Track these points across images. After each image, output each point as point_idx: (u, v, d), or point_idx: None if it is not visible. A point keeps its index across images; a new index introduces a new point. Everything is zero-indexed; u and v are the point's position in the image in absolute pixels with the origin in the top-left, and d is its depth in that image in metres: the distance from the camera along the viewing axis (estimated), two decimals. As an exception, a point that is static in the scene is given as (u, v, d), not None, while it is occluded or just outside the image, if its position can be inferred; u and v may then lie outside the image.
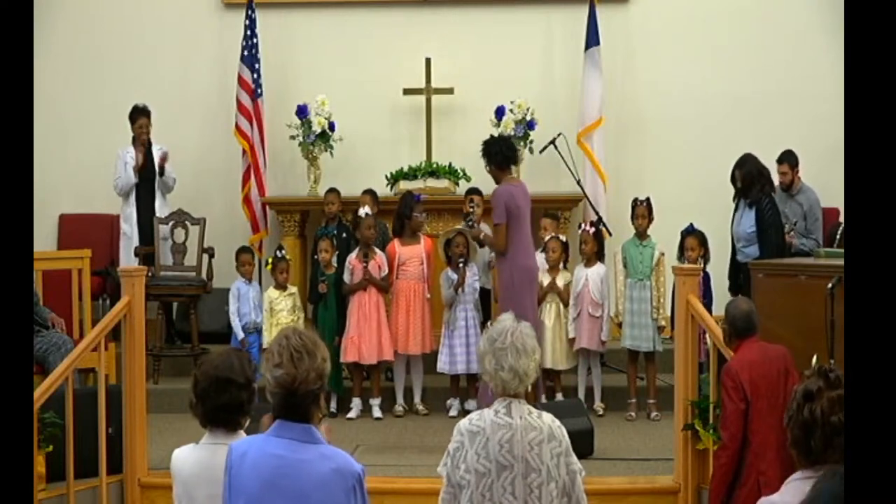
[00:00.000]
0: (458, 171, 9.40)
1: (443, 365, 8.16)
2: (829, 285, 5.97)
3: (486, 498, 3.89)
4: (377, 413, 8.21)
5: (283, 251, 8.54)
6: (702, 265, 7.90)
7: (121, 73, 9.92)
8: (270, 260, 8.49)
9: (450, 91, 9.67)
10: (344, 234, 8.63)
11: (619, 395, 8.26)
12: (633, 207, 8.36)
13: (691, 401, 6.39)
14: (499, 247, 7.70)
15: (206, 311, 9.18)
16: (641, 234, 8.28)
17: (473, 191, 8.59)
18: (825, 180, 8.97)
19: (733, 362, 5.53)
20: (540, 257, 8.33)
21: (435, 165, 9.44)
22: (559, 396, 8.21)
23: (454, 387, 8.27)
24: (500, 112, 9.37)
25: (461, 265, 8.08)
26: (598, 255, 8.35)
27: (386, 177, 9.46)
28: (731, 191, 8.61)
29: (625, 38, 9.86)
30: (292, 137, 9.51)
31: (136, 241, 9.19)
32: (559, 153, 9.07)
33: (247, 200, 9.57)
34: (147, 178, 9.23)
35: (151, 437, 6.85)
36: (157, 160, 9.19)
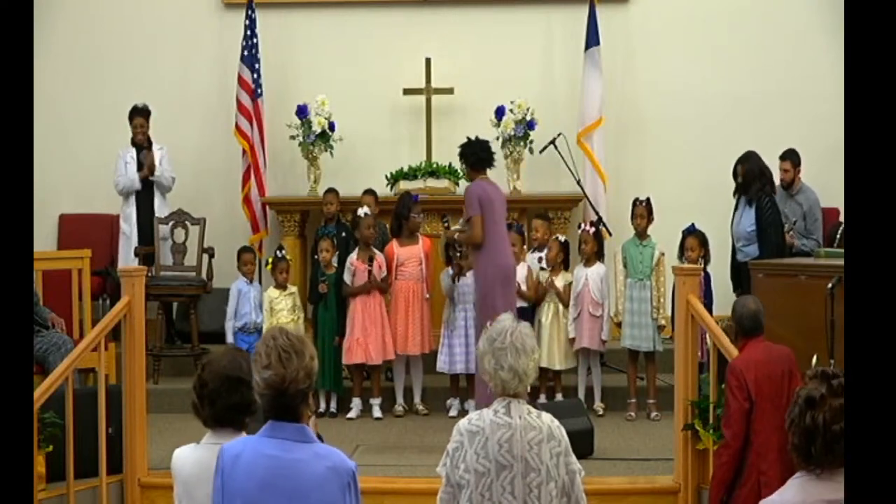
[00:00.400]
0: (458, 171, 9.39)
1: (442, 365, 8.16)
2: (829, 285, 5.98)
3: (485, 498, 3.89)
4: (377, 413, 8.21)
5: (283, 251, 8.54)
6: (702, 265, 7.90)
7: (121, 73, 9.92)
8: (270, 260, 8.49)
9: (450, 91, 9.67)
10: (344, 234, 8.63)
11: (619, 395, 8.26)
12: (633, 207, 8.36)
13: (691, 401, 6.39)
14: (475, 238, 7.67)
15: (206, 311, 9.18)
16: (641, 234, 8.28)
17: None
18: (825, 180, 8.97)
19: (738, 361, 5.52)
20: (532, 258, 8.34)
21: (435, 165, 9.44)
22: (559, 396, 8.21)
23: (454, 387, 8.27)
24: (500, 112, 9.37)
25: (458, 254, 8.08)
26: (598, 255, 8.35)
27: (386, 177, 9.46)
28: (732, 191, 8.64)
29: (625, 38, 9.86)
30: (292, 137, 9.51)
31: (135, 241, 9.19)
32: (559, 153, 9.07)
33: (247, 200, 9.57)
34: (148, 179, 9.23)
35: (151, 437, 6.85)
36: (157, 162, 9.18)
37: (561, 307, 8.27)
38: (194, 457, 3.67)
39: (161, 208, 9.29)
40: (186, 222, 9.21)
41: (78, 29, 10.04)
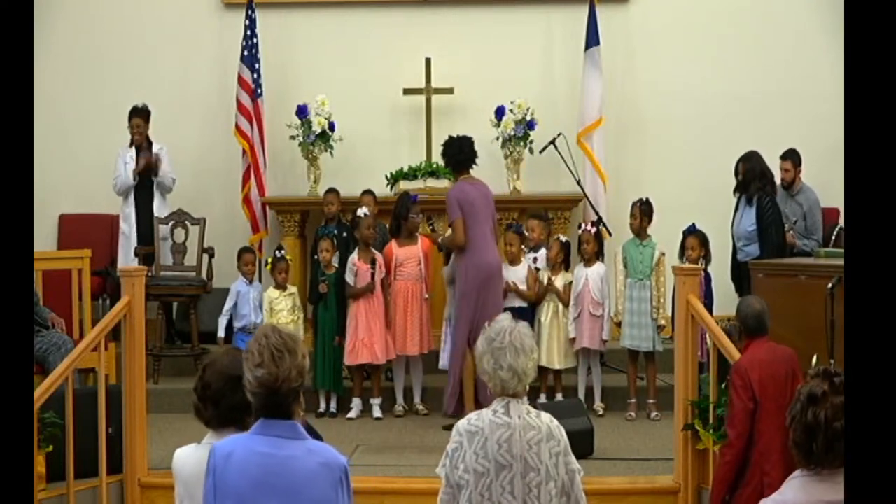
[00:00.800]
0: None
1: (444, 362, 8.15)
2: (829, 285, 5.98)
3: (484, 497, 3.89)
4: (377, 413, 8.21)
5: (283, 251, 8.54)
6: (703, 265, 7.90)
7: (121, 73, 9.92)
8: (270, 260, 8.49)
9: (450, 91, 9.67)
10: (344, 234, 8.62)
11: (619, 395, 8.26)
12: (631, 208, 8.37)
13: (691, 401, 6.38)
14: (458, 242, 7.74)
15: (206, 311, 9.18)
16: (637, 234, 8.28)
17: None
18: (825, 180, 8.98)
19: (743, 361, 5.52)
20: (527, 258, 8.34)
21: (435, 165, 9.44)
22: (559, 396, 8.21)
23: (455, 386, 8.26)
24: (500, 112, 9.37)
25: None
26: (598, 255, 8.36)
27: (386, 177, 9.46)
28: (732, 191, 8.64)
29: (625, 38, 9.86)
30: (292, 137, 9.51)
31: (134, 241, 9.19)
32: (559, 153, 9.08)
33: (247, 200, 9.57)
34: (147, 178, 9.23)
35: (151, 437, 6.85)
36: (152, 160, 9.17)
37: (560, 307, 8.27)
38: (195, 457, 3.67)
39: (161, 208, 9.29)
40: (186, 222, 9.21)
41: (78, 29, 10.04)
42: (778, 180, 8.79)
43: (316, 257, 8.42)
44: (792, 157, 8.98)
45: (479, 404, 7.21)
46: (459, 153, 7.89)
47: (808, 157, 9.05)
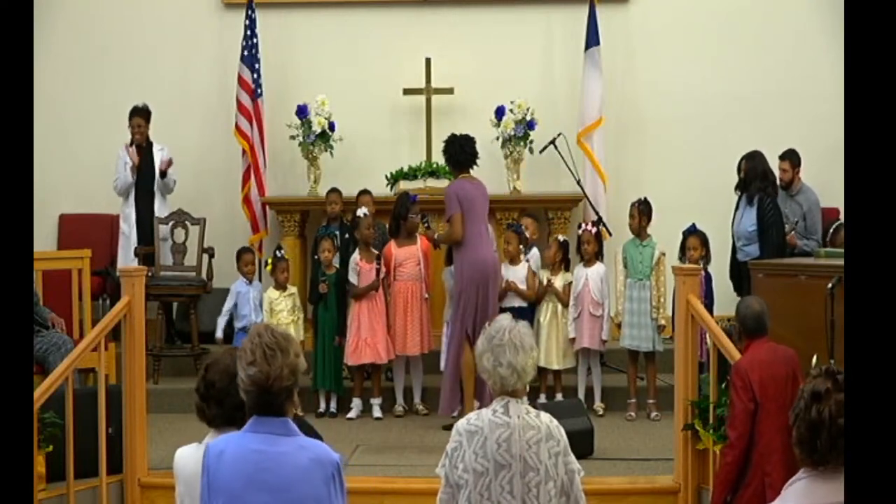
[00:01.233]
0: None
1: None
2: (829, 285, 5.98)
3: (484, 497, 3.89)
4: (377, 413, 8.21)
5: (282, 251, 8.54)
6: (702, 265, 7.90)
7: (121, 73, 9.92)
8: (270, 261, 8.48)
9: (450, 91, 9.67)
10: (346, 235, 8.62)
11: (619, 395, 8.26)
12: (631, 208, 8.37)
13: (691, 401, 6.38)
14: (455, 236, 7.75)
15: (206, 311, 9.18)
16: (636, 234, 8.28)
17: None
18: (825, 180, 8.97)
19: (743, 361, 5.51)
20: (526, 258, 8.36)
21: (435, 165, 9.44)
22: (559, 396, 8.21)
23: (455, 386, 8.26)
24: (500, 112, 9.37)
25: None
26: (598, 255, 8.36)
27: (386, 177, 9.46)
28: (732, 191, 8.65)
29: (625, 38, 9.86)
30: (292, 137, 9.51)
31: (134, 241, 9.19)
32: (559, 153, 9.08)
33: (247, 200, 9.57)
34: (147, 179, 9.23)
35: (151, 437, 6.85)
36: (157, 163, 9.18)
37: (560, 307, 8.28)
38: (196, 456, 3.67)
39: (161, 208, 9.29)
40: (186, 222, 9.21)
41: (78, 29, 10.04)
42: (777, 180, 8.79)
43: (316, 257, 8.41)
44: (791, 158, 8.98)
45: (480, 403, 7.21)
46: (461, 152, 7.90)
47: (808, 157, 9.04)
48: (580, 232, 8.40)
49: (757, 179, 8.33)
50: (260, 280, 8.91)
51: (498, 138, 9.35)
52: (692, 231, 8.18)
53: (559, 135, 9.13)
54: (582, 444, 6.72)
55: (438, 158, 9.46)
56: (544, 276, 8.33)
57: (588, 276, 8.23)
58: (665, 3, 9.86)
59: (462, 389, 7.77)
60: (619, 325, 8.31)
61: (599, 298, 8.21)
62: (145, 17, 10.02)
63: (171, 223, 9.23)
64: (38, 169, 6.13)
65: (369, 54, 9.89)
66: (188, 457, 3.71)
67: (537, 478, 3.90)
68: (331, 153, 9.52)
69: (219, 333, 8.41)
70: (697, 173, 9.56)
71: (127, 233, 9.25)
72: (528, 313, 8.00)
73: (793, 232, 8.67)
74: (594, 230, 8.38)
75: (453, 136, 8.04)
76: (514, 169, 9.45)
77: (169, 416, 7.79)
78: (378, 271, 8.18)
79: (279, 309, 8.30)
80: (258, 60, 9.62)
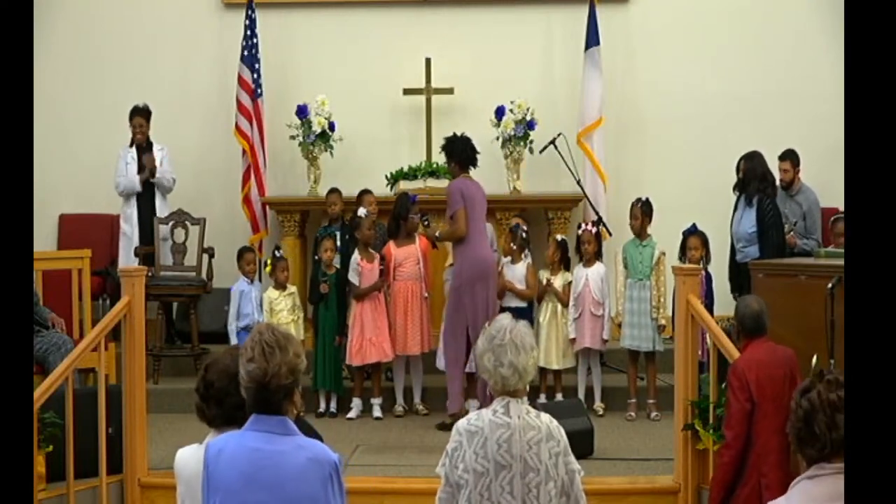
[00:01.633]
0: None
1: (441, 363, 8.14)
2: (829, 285, 5.97)
3: (484, 497, 3.89)
4: (377, 413, 8.21)
5: (281, 251, 8.54)
6: (703, 265, 7.90)
7: (121, 73, 9.92)
8: (269, 261, 8.47)
9: (450, 91, 9.67)
10: (346, 235, 8.62)
11: (619, 395, 8.26)
12: (631, 208, 8.37)
13: (691, 401, 6.38)
14: (460, 232, 7.79)
15: (206, 311, 9.18)
16: (638, 235, 8.28)
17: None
18: (825, 180, 8.98)
19: (740, 361, 5.51)
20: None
21: (435, 165, 9.44)
22: (559, 396, 8.21)
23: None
24: (500, 112, 9.37)
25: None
26: (597, 255, 8.36)
27: (386, 177, 9.46)
28: (731, 191, 8.64)
29: (625, 38, 9.86)
30: (292, 137, 9.51)
31: (136, 241, 9.19)
32: (559, 153, 9.07)
33: (247, 200, 9.57)
34: (147, 181, 9.23)
35: (151, 437, 6.85)
36: (156, 162, 9.17)
37: (559, 307, 8.28)
38: (197, 457, 3.67)
39: (161, 208, 9.29)
40: (186, 222, 9.21)
41: (78, 29, 10.04)
42: (777, 181, 8.79)
43: (317, 257, 8.41)
44: (791, 158, 8.98)
45: (480, 402, 7.20)
46: (467, 149, 7.91)
47: (807, 157, 9.04)
48: (580, 232, 8.40)
49: (756, 180, 8.33)
50: (260, 279, 8.92)
51: (498, 138, 9.35)
52: (693, 231, 8.18)
53: (559, 135, 9.13)
54: (582, 444, 6.72)
55: (438, 158, 9.47)
56: (544, 276, 8.33)
57: (588, 276, 8.23)
58: (665, 3, 9.86)
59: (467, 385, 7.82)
60: (619, 326, 8.31)
61: (600, 298, 8.21)
62: (145, 17, 10.02)
63: (171, 223, 9.23)
64: (38, 169, 6.12)
65: (369, 54, 9.89)
66: (189, 457, 3.71)
67: (537, 478, 3.90)
68: (331, 153, 9.52)
69: (234, 340, 8.25)
70: (697, 173, 9.56)
71: (129, 233, 9.25)
72: (527, 313, 8.01)
73: (791, 232, 8.67)
74: (594, 230, 8.38)
75: (455, 135, 8.06)
76: (514, 169, 9.45)
77: (169, 416, 7.79)
78: (381, 271, 8.18)
79: (279, 308, 8.30)
80: (258, 60, 9.62)
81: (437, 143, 9.53)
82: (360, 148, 9.75)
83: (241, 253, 8.66)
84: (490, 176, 8.80)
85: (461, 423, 4.01)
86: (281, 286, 8.37)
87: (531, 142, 9.37)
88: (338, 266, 8.39)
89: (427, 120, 9.65)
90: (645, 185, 9.26)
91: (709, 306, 7.59)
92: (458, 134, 8.07)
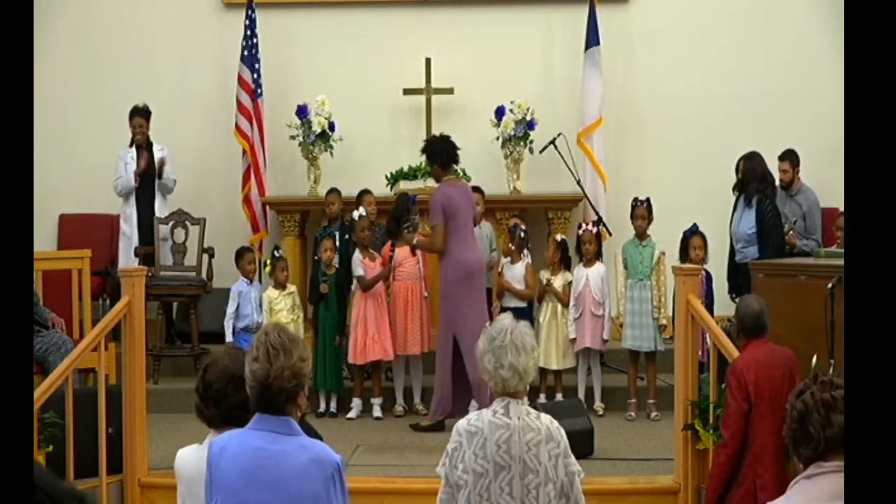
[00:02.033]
0: (458, 171, 9.39)
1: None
2: (829, 285, 5.97)
3: (483, 498, 3.89)
4: (377, 413, 8.21)
5: (280, 251, 8.54)
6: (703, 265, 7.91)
7: (121, 73, 9.92)
8: (269, 261, 8.47)
9: (450, 91, 9.66)
10: (346, 235, 8.62)
11: (619, 395, 8.27)
12: (633, 208, 8.37)
13: (691, 401, 6.39)
14: (436, 246, 7.80)
15: (206, 311, 9.18)
16: (641, 235, 8.29)
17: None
18: (825, 180, 8.98)
19: (739, 361, 5.51)
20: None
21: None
22: (559, 396, 8.21)
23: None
24: (500, 112, 9.36)
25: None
26: (597, 255, 8.37)
27: (386, 177, 9.46)
28: (731, 192, 8.64)
29: (625, 38, 9.86)
30: (292, 137, 9.51)
31: (135, 241, 9.19)
32: (559, 153, 9.07)
33: (247, 200, 9.57)
34: (147, 179, 9.22)
35: (151, 437, 6.85)
36: (156, 163, 9.18)
37: (559, 307, 8.28)
38: (197, 457, 3.68)
39: (161, 208, 9.29)
40: (186, 222, 9.21)
41: (78, 29, 10.03)
42: (777, 181, 8.79)
43: (317, 257, 8.41)
44: (790, 158, 8.98)
45: (478, 403, 7.20)
46: (446, 149, 7.87)
47: (807, 157, 9.04)
48: (580, 232, 8.40)
49: (755, 180, 8.33)
50: (260, 279, 8.92)
51: (498, 138, 9.35)
52: (694, 231, 8.18)
53: (559, 135, 9.13)
54: (582, 444, 6.72)
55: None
56: (544, 276, 8.33)
57: (589, 276, 8.23)
58: (665, 3, 9.86)
59: (454, 393, 7.78)
60: (621, 326, 8.31)
61: (600, 298, 8.21)
62: (145, 17, 10.02)
63: (171, 223, 9.23)
64: (38, 169, 6.11)
65: (369, 54, 9.89)
66: (189, 457, 3.71)
67: (537, 479, 3.90)
68: (331, 153, 9.52)
69: (229, 337, 8.31)
70: (697, 173, 9.56)
71: (128, 233, 9.25)
72: (527, 313, 8.01)
73: (791, 231, 8.67)
74: (594, 230, 8.38)
75: (433, 136, 8.05)
76: (514, 169, 9.45)
77: (169, 416, 7.79)
78: (391, 258, 8.16)
79: (278, 308, 8.30)
80: (258, 60, 9.62)
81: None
82: (359, 148, 9.74)
83: (241, 253, 8.66)
84: (490, 176, 8.81)
85: (461, 424, 4.02)
86: (281, 286, 8.37)
87: (531, 142, 9.37)
88: (337, 266, 8.38)
89: (427, 120, 9.64)
90: (645, 185, 9.26)
91: (709, 306, 7.59)
92: (437, 134, 8.04)
